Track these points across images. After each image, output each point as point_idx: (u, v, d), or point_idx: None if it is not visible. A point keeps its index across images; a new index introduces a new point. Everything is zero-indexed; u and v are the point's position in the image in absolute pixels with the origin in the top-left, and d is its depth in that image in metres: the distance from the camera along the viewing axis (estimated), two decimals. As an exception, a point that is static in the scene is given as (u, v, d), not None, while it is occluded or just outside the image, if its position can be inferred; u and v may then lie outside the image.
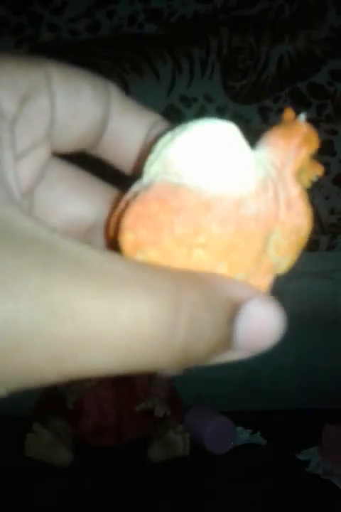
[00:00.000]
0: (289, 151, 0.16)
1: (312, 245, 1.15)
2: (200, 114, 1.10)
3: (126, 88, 1.09)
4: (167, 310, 0.13)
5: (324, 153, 1.14)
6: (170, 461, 0.79)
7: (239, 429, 0.87)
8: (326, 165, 1.14)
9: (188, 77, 1.10)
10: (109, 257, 0.13)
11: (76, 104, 0.17)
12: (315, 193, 1.15)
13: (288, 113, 0.16)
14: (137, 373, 0.14)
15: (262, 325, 0.15)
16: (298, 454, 0.80)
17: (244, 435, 0.87)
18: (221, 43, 1.11)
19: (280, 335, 0.15)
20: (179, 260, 0.15)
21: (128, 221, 0.15)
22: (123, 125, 0.18)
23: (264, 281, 0.16)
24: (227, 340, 0.15)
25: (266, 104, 1.12)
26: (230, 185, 0.15)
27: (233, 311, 0.14)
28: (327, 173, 1.14)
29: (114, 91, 0.18)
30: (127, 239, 0.15)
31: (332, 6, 1.11)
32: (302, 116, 0.16)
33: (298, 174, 0.16)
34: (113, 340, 0.13)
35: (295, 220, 0.15)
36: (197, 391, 0.95)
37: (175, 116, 1.10)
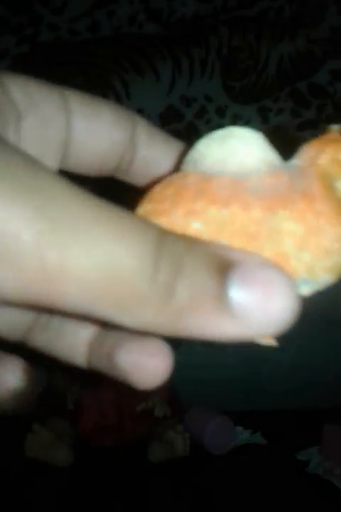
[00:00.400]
0: (316, 152, 0.16)
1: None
2: (200, 114, 1.11)
3: (126, 88, 1.09)
4: (148, 254, 0.13)
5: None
6: (170, 461, 0.79)
7: (239, 429, 0.87)
8: (326, 165, 1.14)
9: (188, 77, 1.10)
10: (95, 201, 0.13)
11: (95, 126, 0.18)
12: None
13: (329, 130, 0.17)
14: (121, 323, 0.14)
15: (263, 288, 0.13)
16: (297, 454, 0.80)
17: (244, 435, 0.87)
18: (221, 43, 1.11)
19: (291, 314, 0.14)
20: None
21: (149, 196, 0.16)
22: (151, 153, 0.20)
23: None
24: (220, 299, 0.13)
25: (266, 104, 1.12)
26: (238, 169, 0.15)
27: (226, 267, 0.13)
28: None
29: (140, 121, 0.19)
30: (143, 208, 0.16)
31: (332, 6, 1.11)
32: (335, 127, 0.16)
33: (331, 179, 0.15)
34: (87, 280, 0.13)
35: (319, 221, 0.15)
36: (197, 391, 0.95)
37: (175, 116, 1.10)
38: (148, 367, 0.17)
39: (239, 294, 0.13)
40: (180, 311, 0.13)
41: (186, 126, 1.11)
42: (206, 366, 1.00)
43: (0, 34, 1.06)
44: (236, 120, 1.11)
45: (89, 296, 0.13)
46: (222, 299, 0.13)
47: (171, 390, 0.90)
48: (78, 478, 0.78)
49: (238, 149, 0.16)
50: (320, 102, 1.12)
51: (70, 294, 0.13)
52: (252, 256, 0.14)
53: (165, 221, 0.15)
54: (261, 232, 0.15)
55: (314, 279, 0.15)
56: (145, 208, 0.16)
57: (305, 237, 0.15)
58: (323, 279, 0.16)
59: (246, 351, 1.05)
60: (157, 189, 0.16)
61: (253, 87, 1.12)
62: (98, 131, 0.18)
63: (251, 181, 0.15)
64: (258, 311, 0.13)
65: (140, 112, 1.10)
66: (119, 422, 0.87)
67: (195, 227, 0.15)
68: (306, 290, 0.16)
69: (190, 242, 0.14)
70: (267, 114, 1.12)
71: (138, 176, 0.20)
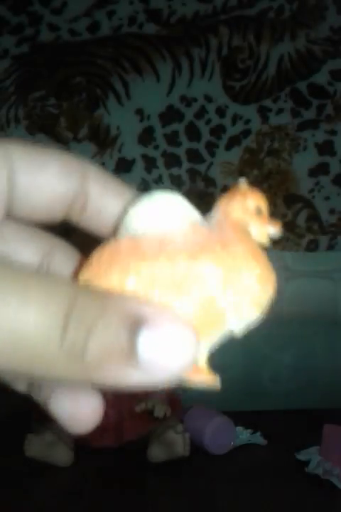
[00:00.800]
0: (228, 205, 0.18)
1: (312, 245, 1.15)
2: (200, 114, 1.11)
3: (126, 88, 1.09)
4: (57, 317, 0.14)
5: (324, 153, 1.14)
6: (170, 461, 0.79)
7: (239, 429, 0.87)
8: (326, 165, 1.14)
9: (188, 77, 1.10)
10: (8, 269, 0.15)
11: (39, 181, 0.19)
12: (315, 193, 1.15)
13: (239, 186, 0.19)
14: (39, 379, 0.15)
15: (168, 342, 0.15)
16: (297, 454, 0.80)
17: (244, 435, 0.87)
18: (221, 43, 1.11)
19: (192, 360, 0.15)
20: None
21: (88, 263, 0.18)
22: (103, 202, 0.21)
23: (204, 317, 0.17)
24: (130, 355, 0.14)
25: (266, 104, 1.12)
26: (163, 228, 0.18)
27: (135, 323, 0.14)
28: (327, 173, 1.14)
29: (93, 171, 0.20)
30: (83, 274, 0.18)
31: (332, 6, 1.11)
32: (242, 180, 0.19)
33: (244, 225, 0.18)
34: None
35: (236, 261, 0.17)
36: (197, 391, 0.95)
37: (175, 116, 1.10)
38: (78, 416, 0.19)
39: (146, 349, 0.14)
40: (92, 367, 0.14)
41: (186, 126, 1.11)
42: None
43: (0, 34, 1.06)
44: (236, 120, 1.11)
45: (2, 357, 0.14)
46: (131, 354, 0.14)
47: (171, 390, 0.90)
48: (78, 478, 0.78)
49: (163, 211, 0.18)
50: (320, 102, 1.13)
51: None
52: (162, 312, 0.15)
53: (103, 283, 0.17)
54: (187, 279, 0.16)
55: (241, 317, 0.17)
56: (84, 274, 0.18)
57: (225, 277, 0.16)
58: (249, 315, 0.17)
59: (246, 351, 1.05)
60: (95, 255, 0.18)
61: (253, 87, 1.12)
62: (42, 185, 0.19)
63: (176, 237, 0.17)
64: (162, 363, 0.15)
65: (140, 112, 1.10)
66: (119, 422, 0.87)
67: (130, 285, 0.16)
68: (237, 329, 0.17)
69: (103, 301, 0.15)
70: (267, 114, 1.12)
71: (91, 224, 0.21)
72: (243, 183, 0.19)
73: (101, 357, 0.14)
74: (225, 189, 1.25)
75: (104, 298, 0.15)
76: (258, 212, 0.18)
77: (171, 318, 0.15)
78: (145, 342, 0.14)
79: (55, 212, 0.20)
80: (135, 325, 0.14)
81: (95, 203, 0.21)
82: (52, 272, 0.21)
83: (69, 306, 0.14)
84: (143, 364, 0.14)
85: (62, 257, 0.22)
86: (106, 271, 0.17)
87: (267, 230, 0.19)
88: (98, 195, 0.20)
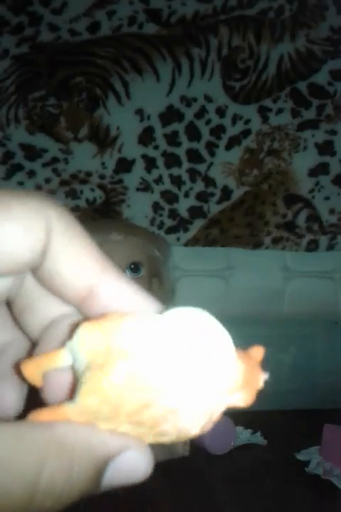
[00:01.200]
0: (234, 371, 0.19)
1: (312, 245, 1.15)
2: (200, 114, 1.11)
3: (126, 88, 1.09)
4: (28, 482, 0.15)
5: (324, 153, 1.14)
6: (170, 461, 0.79)
7: (239, 429, 0.87)
8: (326, 165, 1.14)
9: (188, 77, 1.10)
10: None
11: (1, 246, 0.18)
12: (315, 193, 1.15)
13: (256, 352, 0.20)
14: None
15: (127, 473, 0.17)
16: (298, 454, 0.80)
17: (244, 435, 0.87)
18: (221, 43, 1.11)
19: (150, 471, 0.18)
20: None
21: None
22: (59, 268, 0.19)
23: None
24: (96, 486, 0.17)
25: (266, 104, 1.12)
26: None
27: (99, 468, 0.17)
28: (327, 173, 1.14)
29: (56, 228, 0.18)
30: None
31: (332, 6, 1.11)
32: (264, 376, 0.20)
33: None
34: None
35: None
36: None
37: (175, 116, 1.10)
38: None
39: (110, 482, 0.18)
40: (59, 501, 0.16)
41: (186, 126, 1.11)
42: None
43: (0, 34, 1.06)
44: (236, 120, 1.11)
45: None
46: (98, 486, 0.17)
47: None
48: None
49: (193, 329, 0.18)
50: (320, 102, 1.13)
51: None
52: (123, 445, 0.17)
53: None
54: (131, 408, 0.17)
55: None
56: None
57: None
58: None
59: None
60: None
61: (253, 87, 1.12)
62: (5, 238, 0.18)
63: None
64: (122, 483, 0.18)
65: (140, 111, 1.10)
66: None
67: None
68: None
69: (67, 458, 0.16)
70: (267, 114, 1.12)
71: (43, 284, 0.19)
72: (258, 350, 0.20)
73: (71, 495, 0.17)
74: (225, 189, 1.24)
75: (71, 451, 0.16)
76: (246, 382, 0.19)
77: (131, 449, 0.17)
78: (109, 476, 0.17)
79: (16, 272, 0.19)
80: (103, 467, 0.17)
81: (50, 266, 0.19)
82: (25, 298, 0.20)
83: (37, 472, 0.15)
84: (106, 487, 0.18)
85: (34, 283, 0.20)
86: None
87: (239, 401, 0.20)
88: (55, 259, 0.18)
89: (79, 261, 0.19)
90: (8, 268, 0.18)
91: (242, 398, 0.20)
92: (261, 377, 0.20)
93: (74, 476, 0.16)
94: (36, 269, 0.19)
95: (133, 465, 0.17)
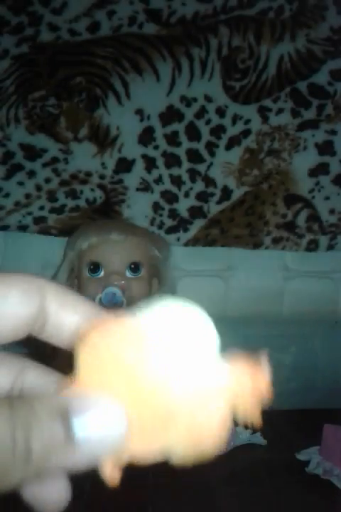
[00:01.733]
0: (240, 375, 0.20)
1: (312, 245, 1.15)
2: (200, 114, 1.11)
3: (126, 88, 1.09)
4: (5, 429, 0.17)
5: (324, 153, 1.14)
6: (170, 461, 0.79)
7: (239, 429, 0.87)
8: (326, 165, 1.14)
9: (188, 77, 1.10)
10: None
11: (2, 307, 0.21)
12: (315, 193, 1.15)
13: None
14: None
15: (97, 420, 0.18)
16: (298, 454, 0.80)
17: (244, 435, 0.87)
18: (221, 43, 1.11)
19: (121, 431, 0.19)
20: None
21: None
22: (61, 318, 0.22)
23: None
24: (67, 439, 0.17)
25: (266, 104, 1.12)
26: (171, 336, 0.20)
27: (65, 413, 0.17)
28: (327, 173, 1.14)
29: (49, 290, 0.22)
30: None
31: (332, 6, 1.11)
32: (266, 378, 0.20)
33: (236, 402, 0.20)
34: None
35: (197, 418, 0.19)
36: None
37: (175, 116, 1.10)
38: (46, 501, 0.21)
39: (80, 431, 0.18)
40: (40, 462, 0.17)
41: (186, 126, 1.11)
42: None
43: (0, 34, 1.06)
44: (236, 120, 1.11)
45: None
46: (69, 440, 0.17)
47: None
48: (78, 478, 0.78)
49: (176, 321, 0.20)
50: (320, 102, 1.13)
51: None
52: (87, 398, 0.18)
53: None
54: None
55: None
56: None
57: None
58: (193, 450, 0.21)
59: (246, 351, 1.05)
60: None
61: (253, 87, 1.12)
62: (6, 313, 0.21)
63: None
64: (96, 438, 0.18)
65: (140, 112, 1.10)
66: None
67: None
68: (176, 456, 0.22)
69: (31, 403, 0.17)
70: (267, 114, 1.12)
71: (51, 337, 0.23)
72: (266, 374, 0.20)
73: (45, 451, 0.17)
74: (225, 189, 1.24)
75: (33, 400, 0.17)
76: (255, 394, 0.20)
77: (96, 402, 0.18)
78: (78, 426, 0.17)
79: (18, 333, 0.22)
80: (66, 415, 0.17)
81: (54, 319, 0.22)
82: (26, 391, 0.23)
83: (11, 419, 0.17)
84: (81, 445, 0.18)
85: (34, 374, 0.23)
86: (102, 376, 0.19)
87: (247, 416, 0.20)
88: (56, 312, 0.22)
89: (76, 310, 0.23)
90: (11, 326, 0.21)
91: (248, 405, 0.20)
92: (266, 385, 0.21)
93: (36, 418, 0.17)
94: (40, 331, 0.23)
95: (105, 420, 0.18)
